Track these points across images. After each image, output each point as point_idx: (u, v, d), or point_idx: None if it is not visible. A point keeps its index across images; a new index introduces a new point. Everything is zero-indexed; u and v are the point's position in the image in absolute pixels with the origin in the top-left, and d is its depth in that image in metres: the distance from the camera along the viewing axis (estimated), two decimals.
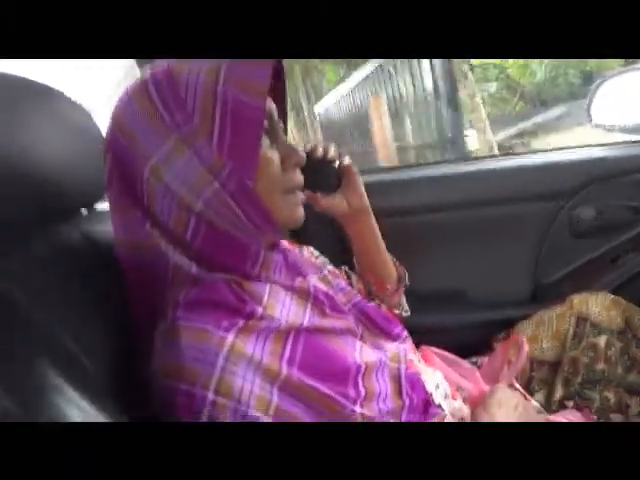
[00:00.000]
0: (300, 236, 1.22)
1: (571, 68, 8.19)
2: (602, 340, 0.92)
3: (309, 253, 0.92)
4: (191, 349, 0.55)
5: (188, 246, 0.62)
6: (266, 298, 0.64)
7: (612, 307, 0.96)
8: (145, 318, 0.64)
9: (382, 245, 0.96)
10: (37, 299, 0.58)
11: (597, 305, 0.97)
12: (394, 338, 0.78)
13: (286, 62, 0.74)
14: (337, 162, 0.85)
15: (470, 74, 7.30)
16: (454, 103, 5.66)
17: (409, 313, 1.02)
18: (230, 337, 0.56)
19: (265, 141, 0.63)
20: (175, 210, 0.60)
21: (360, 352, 0.68)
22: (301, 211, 0.69)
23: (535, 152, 1.32)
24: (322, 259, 0.93)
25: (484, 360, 1.02)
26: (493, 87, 8.95)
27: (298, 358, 0.60)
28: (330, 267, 0.91)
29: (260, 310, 0.61)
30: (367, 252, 0.96)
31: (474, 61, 8.94)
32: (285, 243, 0.84)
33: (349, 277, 0.96)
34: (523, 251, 1.24)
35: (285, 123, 0.74)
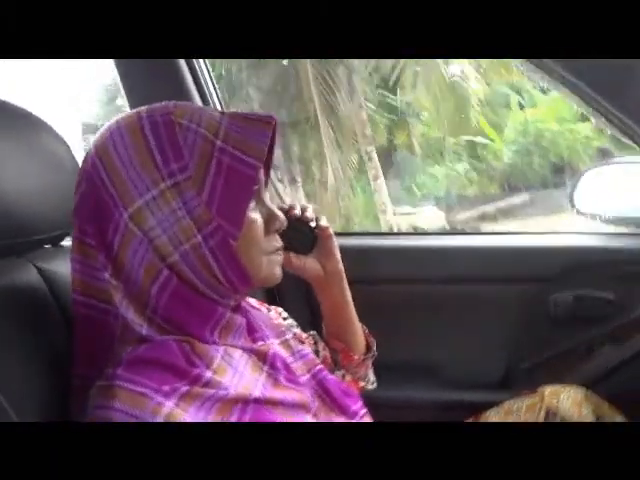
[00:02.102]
0: (274, 295, 1.18)
1: (538, 157, 8.57)
2: None
3: (277, 314, 0.88)
4: (123, 414, 0.51)
5: (146, 302, 0.59)
6: (217, 362, 0.60)
7: (584, 403, 0.93)
8: (84, 372, 0.59)
9: (353, 313, 0.92)
10: None
11: (568, 399, 0.93)
12: (350, 415, 0.73)
13: None
14: (313, 223, 0.82)
15: (375, 155, 7.68)
16: None
17: (375, 385, 0.97)
18: (168, 404, 0.52)
19: (252, 203, 0.62)
20: (148, 260, 0.58)
21: None
22: (279, 271, 0.68)
23: (519, 234, 1.32)
24: (289, 321, 0.90)
25: None
26: (462, 167, 9.27)
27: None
28: (297, 330, 0.88)
29: (208, 375, 0.58)
30: (336, 318, 0.91)
31: (453, 140, 9.32)
32: (252, 301, 0.81)
33: (316, 343, 0.91)
34: (498, 333, 1.22)
35: (266, 184, 0.72)
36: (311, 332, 0.94)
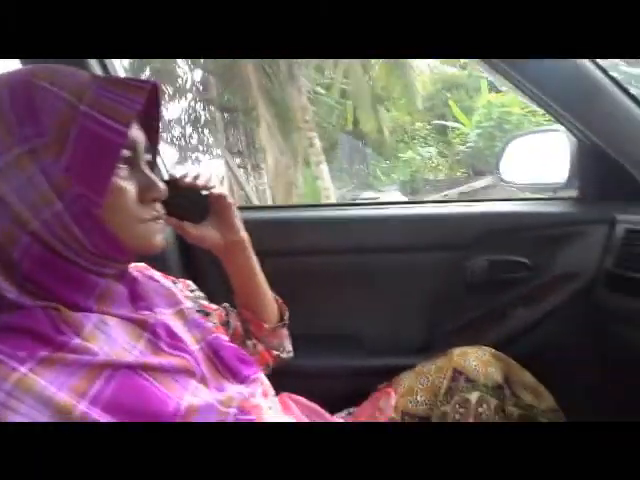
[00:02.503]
0: (191, 268, 1.17)
1: (498, 141, 8.66)
2: (474, 396, 0.89)
3: (184, 286, 0.87)
4: None
5: (13, 267, 0.56)
6: (89, 329, 0.58)
7: (491, 362, 0.94)
8: None
9: (261, 282, 0.91)
10: None
11: (475, 359, 0.94)
12: (241, 380, 0.73)
13: None
14: (205, 191, 0.81)
15: (317, 141, 7.70)
16: None
17: (291, 355, 0.97)
18: (22, 369, 0.51)
19: (123, 171, 0.61)
20: (6, 226, 0.55)
21: (192, 393, 0.63)
22: (159, 239, 0.66)
23: (433, 202, 1.33)
24: (197, 294, 0.89)
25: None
26: (429, 153, 9.33)
27: (105, 397, 0.55)
28: (203, 302, 0.88)
29: (76, 341, 0.56)
30: (244, 287, 0.91)
31: (419, 125, 9.36)
32: (153, 273, 0.80)
33: (227, 314, 0.91)
34: (417, 300, 1.23)
35: (154, 154, 0.71)
36: (224, 304, 0.93)
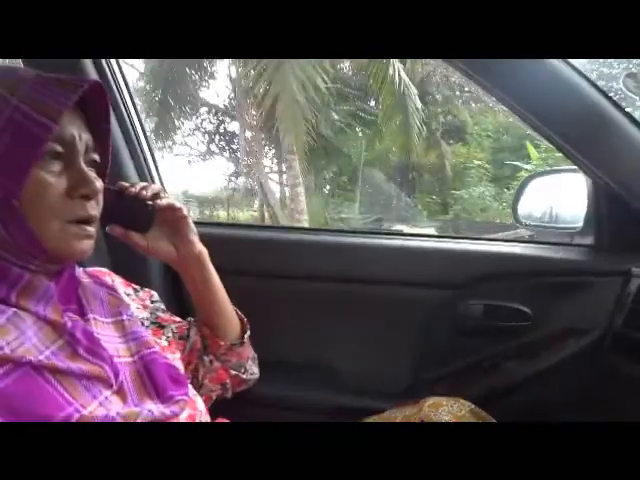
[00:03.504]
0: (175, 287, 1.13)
1: None
2: None
3: (146, 295, 0.87)
4: None
5: None
6: (1, 322, 0.58)
7: (466, 418, 0.85)
8: None
9: (221, 298, 0.91)
10: None
11: (449, 413, 0.85)
12: (164, 399, 0.69)
13: None
14: (152, 203, 0.80)
15: (297, 164, 7.63)
16: None
17: (254, 377, 0.94)
18: None
19: (54, 166, 0.61)
20: None
21: (101, 403, 0.61)
22: (86, 245, 0.65)
23: (435, 237, 1.24)
24: (157, 305, 0.88)
25: None
26: (481, 192, 9.09)
27: None
28: (161, 315, 0.87)
29: None
30: (201, 302, 0.91)
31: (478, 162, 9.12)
32: (102, 276, 0.79)
33: (189, 328, 0.89)
34: (402, 339, 1.13)
35: (105, 152, 0.70)
36: (189, 318, 0.92)
